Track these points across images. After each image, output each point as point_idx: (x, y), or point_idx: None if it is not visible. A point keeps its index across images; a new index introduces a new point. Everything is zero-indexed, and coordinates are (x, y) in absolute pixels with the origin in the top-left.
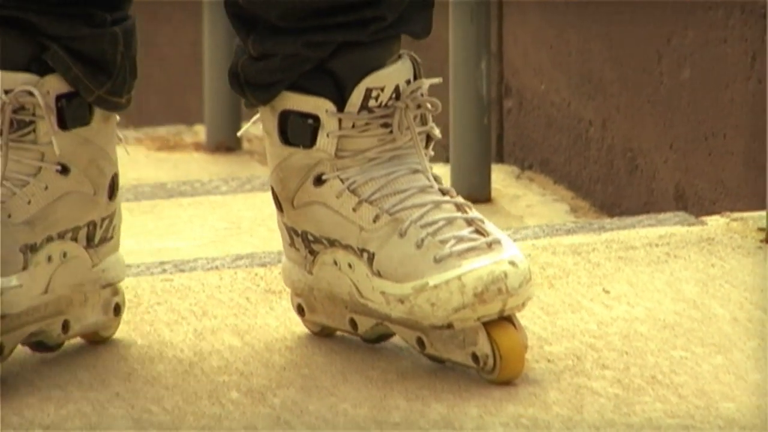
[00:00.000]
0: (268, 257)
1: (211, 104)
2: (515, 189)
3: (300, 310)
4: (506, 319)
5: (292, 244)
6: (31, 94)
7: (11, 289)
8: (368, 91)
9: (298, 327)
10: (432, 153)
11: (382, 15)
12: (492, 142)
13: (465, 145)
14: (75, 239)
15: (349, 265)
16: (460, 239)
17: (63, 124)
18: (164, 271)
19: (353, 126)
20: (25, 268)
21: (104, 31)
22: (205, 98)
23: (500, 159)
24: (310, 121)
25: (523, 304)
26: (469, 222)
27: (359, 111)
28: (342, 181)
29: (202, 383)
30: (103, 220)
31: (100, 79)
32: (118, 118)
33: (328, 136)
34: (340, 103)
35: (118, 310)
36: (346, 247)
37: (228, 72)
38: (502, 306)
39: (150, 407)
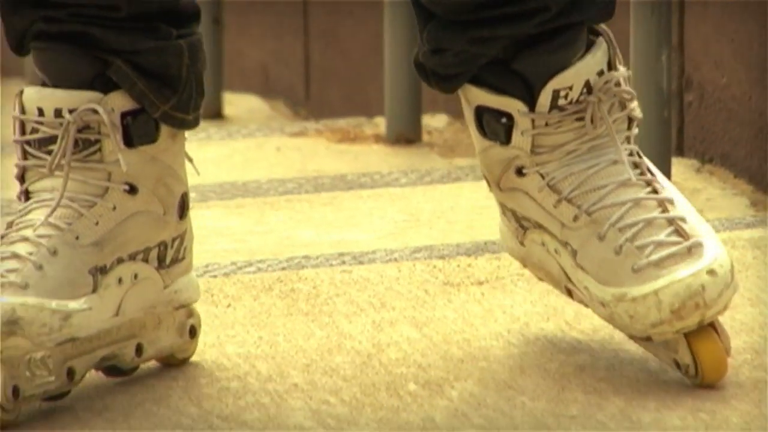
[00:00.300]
0: (447, 249)
1: (391, 96)
2: (695, 182)
3: (523, 262)
4: (708, 324)
5: (504, 214)
6: (95, 112)
7: (80, 312)
8: (555, 92)
9: (476, 319)
10: (636, 131)
11: (545, 5)
12: (672, 135)
13: (645, 138)
14: (146, 260)
15: (556, 251)
16: (659, 244)
17: (129, 141)
18: (343, 262)
19: (546, 124)
20: (94, 290)
21: (168, 44)
22: (386, 90)
23: (680, 152)
24: (504, 119)
25: (725, 307)
26: (670, 221)
27: (550, 110)
28: (542, 176)
29: (380, 375)
30: (173, 240)
31: (165, 93)
32: (186, 135)
33: (522, 134)
34: (531, 103)
35: (193, 332)
36: (552, 235)
37: (413, 61)
38: (700, 318)
39: (328, 399)
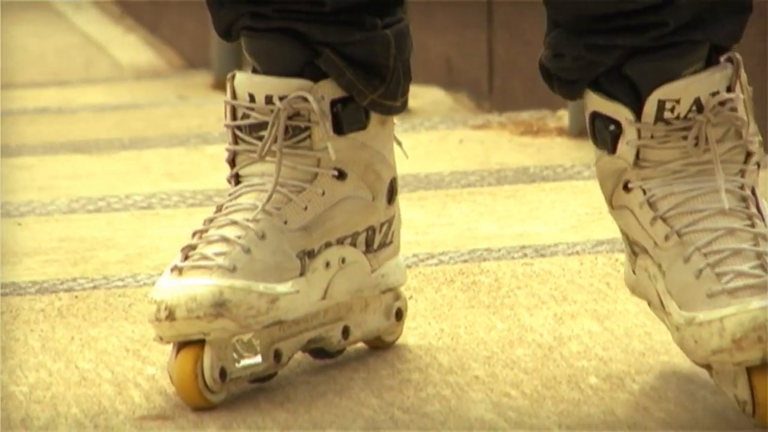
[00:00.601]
0: None
1: None
2: None
3: (649, 303)
4: None
5: (623, 240)
6: (305, 99)
7: (287, 296)
8: (661, 103)
9: None
10: (754, 167)
11: (663, 20)
12: None
13: None
14: (354, 245)
15: (654, 276)
16: (739, 274)
17: (339, 129)
18: (525, 255)
19: (652, 137)
20: (302, 274)
21: (375, 35)
22: None
23: None
24: (612, 127)
25: None
26: (759, 255)
27: (655, 122)
28: (644, 191)
29: (561, 368)
30: (382, 225)
31: (373, 83)
32: (395, 121)
33: (628, 144)
34: (639, 112)
35: (400, 315)
36: (651, 257)
37: (538, 64)
38: (762, 354)
39: (509, 391)
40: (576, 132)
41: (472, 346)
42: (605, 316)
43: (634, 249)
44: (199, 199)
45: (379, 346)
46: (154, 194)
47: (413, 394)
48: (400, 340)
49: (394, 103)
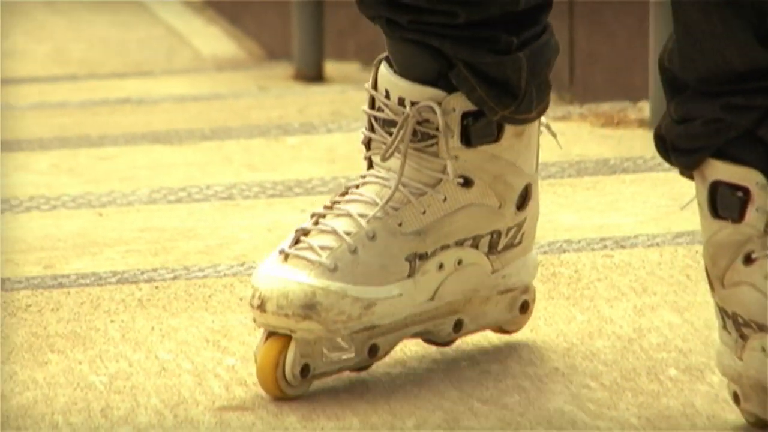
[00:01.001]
0: None
1: (656, 80)
2: None
3: (735, 398)
4: None
5: (724, 326)
6: (434, 111)
7: (387, 300)
8: None
9: None
10: None
11: None
12: None
13: None
14: (475, 247)
15: None
16: None
17: (468, 141)
18: (605, 247)
19: None
20: (410, 276)
21: (507, 59)
22: (651, 74)
23: None
24: (740, 193)
25: None
26: None
27: None
28: None
29: (641, 360)
30: (509, 229)
31: (504, 101)
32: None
33: (757, 210)
34: None
35: (525, 307)
36: None
37: (654, 134)
38: None
39: (588, 383)
40: (657, 124)
41: (551, 338)
42: (685, 308)
43: (744, 331)
44: (279, 189)
45: (501, 333)
46: (235, 185)
47: (492, 386)
48: (481, 333)
49: (527, 115)
